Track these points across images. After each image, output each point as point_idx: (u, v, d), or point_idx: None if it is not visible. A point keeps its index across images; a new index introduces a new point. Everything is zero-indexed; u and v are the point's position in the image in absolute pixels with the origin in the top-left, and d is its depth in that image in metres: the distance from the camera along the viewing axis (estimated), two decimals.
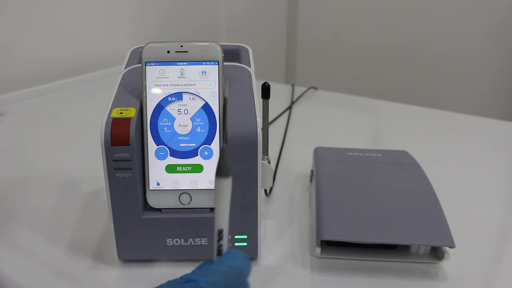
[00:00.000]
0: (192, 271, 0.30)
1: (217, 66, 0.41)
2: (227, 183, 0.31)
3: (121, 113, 0.39)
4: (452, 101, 1.46)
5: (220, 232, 0.33)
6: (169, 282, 0.30)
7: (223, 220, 0.33)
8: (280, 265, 0.44)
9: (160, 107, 0.40)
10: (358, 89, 1.57)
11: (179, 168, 0.41)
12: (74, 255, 0.45)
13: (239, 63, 0.48)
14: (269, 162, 0.50)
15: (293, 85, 1.04)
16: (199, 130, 0.41)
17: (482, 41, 1.38)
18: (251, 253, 0.43)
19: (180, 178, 0.41)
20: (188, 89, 0.41)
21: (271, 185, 0.49)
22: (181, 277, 0.30)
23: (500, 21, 1.34)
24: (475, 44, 1.40)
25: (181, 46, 0.41)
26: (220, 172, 0.31)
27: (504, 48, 1.36)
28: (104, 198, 0.40)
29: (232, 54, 0.51)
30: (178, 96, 0.41)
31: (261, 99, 0.48)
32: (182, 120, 0.40)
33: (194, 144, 0.41)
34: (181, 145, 0.41)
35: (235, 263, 0.31)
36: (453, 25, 1.41)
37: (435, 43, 1.45)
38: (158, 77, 0.41)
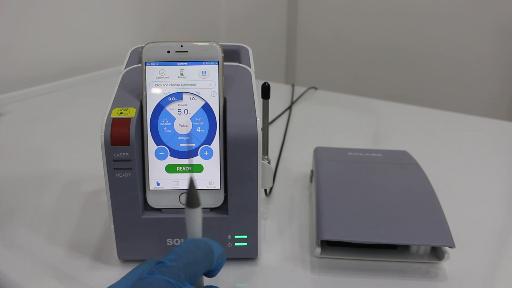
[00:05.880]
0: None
1: (217, 66, 0.41)
2: (197, 212, 0.33)
3: (121, 113, 0.39)
4: (455, 102, 1.46)
5: None
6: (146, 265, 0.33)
7: None
8: (280, 265, 0.44)
9: (160, 107, 0.40)
10: (358, 89, 1.57)
11: (179, 168, 0.41)
12: (74, 255, 0.45)
13: (239, 63, 0.48)
14: (269, 162, 0.50)
15: (293, 85, 1.04)
16: (199, 130, 0.41)
17: (486, 42, 1.38)
18: (251, 253, 0.43)
19: (180, 178, 0.41)
20: (188, 89, 0.41)
21: (271, 185, 0.49)
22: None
23: (505, 22, 1.33)
24: (479, 46, 1.39)
25: (181, 46, 0.41)
26: (190, 203, 0.32)
27: (510, 49, 1.35)
28: (104, 198, 0.40)
29: (232, 54, 0.51)
30: (178, 96, 0.41)
31: (261, 99, 0.48)
32: (182, 120, 0.40)
33: (194, 144, 0.41)
34: (181, 145, 0.41)
35: (197, 242, 0.32)
36: (456, 26, 1.40)
37: (435, 44, 1.45)
38: (158, 77, 0.41)
